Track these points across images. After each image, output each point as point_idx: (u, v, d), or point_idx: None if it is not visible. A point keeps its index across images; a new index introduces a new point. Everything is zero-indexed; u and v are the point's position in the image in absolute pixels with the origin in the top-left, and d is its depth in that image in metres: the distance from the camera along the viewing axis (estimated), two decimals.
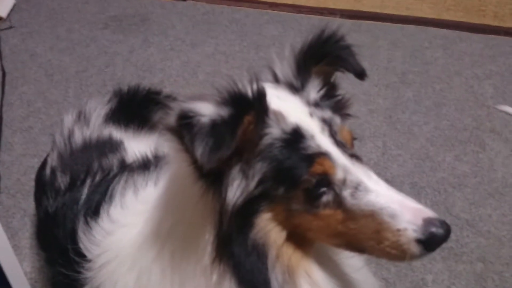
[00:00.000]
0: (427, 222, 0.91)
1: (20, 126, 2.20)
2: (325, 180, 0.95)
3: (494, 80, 2.48)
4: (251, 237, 0.96)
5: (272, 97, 0.98)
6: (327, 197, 0.95)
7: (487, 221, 1.78)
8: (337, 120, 1.01)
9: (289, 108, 0.98)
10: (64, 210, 1.31)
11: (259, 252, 0.97)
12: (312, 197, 0.95)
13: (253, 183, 0.93)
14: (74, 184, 1.36)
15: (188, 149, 0.87)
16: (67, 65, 2.61)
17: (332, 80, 1.09)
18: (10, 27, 2.91)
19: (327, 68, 1.07)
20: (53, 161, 1.46)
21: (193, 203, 0.96)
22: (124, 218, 1.18)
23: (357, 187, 0.94)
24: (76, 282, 1.16)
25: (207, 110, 0.86)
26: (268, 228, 0.97)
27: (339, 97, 1.09)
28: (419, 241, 0.91)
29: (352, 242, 0.98)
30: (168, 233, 1.02)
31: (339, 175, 0.95)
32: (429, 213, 0.92)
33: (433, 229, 0.90)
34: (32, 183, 1.85)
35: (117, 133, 1.53)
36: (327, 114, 1.00)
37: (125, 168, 1.37)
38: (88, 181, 1.34)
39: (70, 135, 1.52)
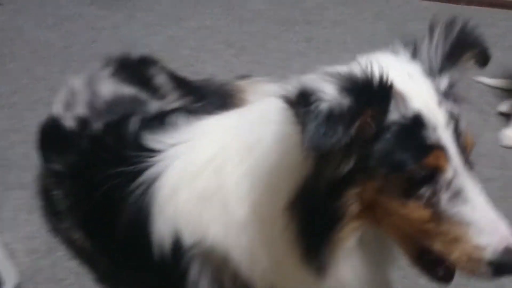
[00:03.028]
0: (509, 251, 0.90)
1: (6, 102, 2.26)
2: (432, 175, 0.92)
3: None
4: (333, 205, 0.95)
5: (402, 73, 0.96)
6: (424, 192, 0.92)
7: None
8: (463, 119, 0.96)
9: (417, 90, 0.95)
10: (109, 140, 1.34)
11: (333, 221, 0.96)
12: (410, 188, 0.92)
13: (357, 159, 0.91)
14: (117, 123, 1.38)
15: (299, 128, 0.86)
16: (54, 41, 2.66)
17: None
18: None
19: (465, 62, 1.03)
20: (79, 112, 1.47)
21: (292, 159, 0.97)
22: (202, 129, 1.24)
23: (458, 193, 0.92)
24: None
25: (328, 95, 0.85)
26: (352, 201, 0.95)
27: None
28: (491, 263, 0.90)
29: (422, 242, 0.96)
30: (257, 164, 1.05)
31: (448, 175, 0.92)
32: None
33: (510, 260, 0.90)
34: (15, 158, 1.93)
35: (140, 93, 1.54)
36: (456, 108, 0.96)
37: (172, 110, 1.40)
38: (133, 118, 1.36)
39: (95, 89, 1.52)
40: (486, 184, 0.95)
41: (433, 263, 1.00)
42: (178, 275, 1.17)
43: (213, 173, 1.13)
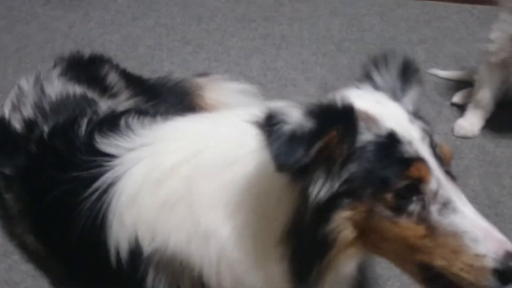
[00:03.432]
0: (509, 255, 0.91)
1: None
2: (417, 188, 0.95)
3: (428, 44, 2.55)
4: (323, 231, 0.97)
5: (370, 101, 1.02)
6: (414, 207, 0.95)
7: None
8: (435, 135, 1.02)
9: (388, 112, 1.01)
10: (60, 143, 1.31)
11: (324, 248, 0.98)
12: (399, 203, 0.95)
13: (339, 182, 0.95)
14: (65, 126, 1.35)
15: (266, 149, 0.91)
16: (7, 43, 2.60)
17: None
18: None
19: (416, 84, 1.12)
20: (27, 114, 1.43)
21: (276, 186, 1.00)
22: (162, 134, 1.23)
23: (446, 204, 0.94)
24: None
25: (293, 118, 0.91)
26: (343, 226, 0.97)
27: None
28: (495, 271, 0.91)
29: (423, 259, 0.97)
30: (241, 189, 1.06)
31: (432, 185, 0.95)
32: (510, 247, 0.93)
33: None
34: None
35: (89, 93, 1.51)
36: (427, 126, 1.02)
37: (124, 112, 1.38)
38: (83, 120, 1.33)
39: (42, 89, 1.49)
40: None
41: (436, 278, 1.00)
42: (135, 281, 1.16)
43: (179, 180, 1.11)
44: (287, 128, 0.89)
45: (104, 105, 1.45)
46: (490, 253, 0.92)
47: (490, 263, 0.92)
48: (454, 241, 0.93)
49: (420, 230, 0.96)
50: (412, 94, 1.09)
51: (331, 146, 0.94)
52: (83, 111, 1.38)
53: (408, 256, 0.99)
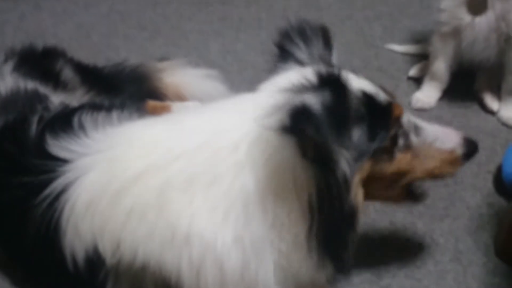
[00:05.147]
0: (465, 140, 1.19)
1: None
2: (399, 124, 1.10)
3: (384, 20, 2.57)
4: (348, 203, 1.01)
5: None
6: (401, 141, 1.10)
7: None
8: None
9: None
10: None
11: (351, 219, 1.04)
12: (394, 143, 1.09)
13: (350, 150, 0.98)
14: (15, 125, 1.29)
15: (313, 139, 0.91)
16: None
17: None
18: None
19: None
20: None
21: (291, 175, 1.00)
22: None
23: (415, 127, 1.13)
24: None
25: (309, 99, 0.92)
26: (357, 190, 1.04)
27: None
28: (463, 155, 1.18)
29: (408, 179, 1.16)
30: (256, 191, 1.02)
31: (405, 117, 1.11)
32: (463, 134, 1.21)
33: (471, 145, 1.20)
34: None
35: (41, 88, 1.45)
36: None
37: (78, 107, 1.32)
38: (34, 119, 1.27)
39: None
40: None
41: (411, 191, 1.26)
42: (94, 286, 1.14)
43: (147, 191, 1.06)
44: (317, 106, 0.91)
45: (56, 100, 1.40)
46: (456, 145, 1.17)
47: (460, 152, 1.18)
48: (431, 149, 1.14)
49: (408, 156, 1.12)
50: (333, 56, 1.20)
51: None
52: (33, 108, 1.32)
53: (397, 184, 1.16)
